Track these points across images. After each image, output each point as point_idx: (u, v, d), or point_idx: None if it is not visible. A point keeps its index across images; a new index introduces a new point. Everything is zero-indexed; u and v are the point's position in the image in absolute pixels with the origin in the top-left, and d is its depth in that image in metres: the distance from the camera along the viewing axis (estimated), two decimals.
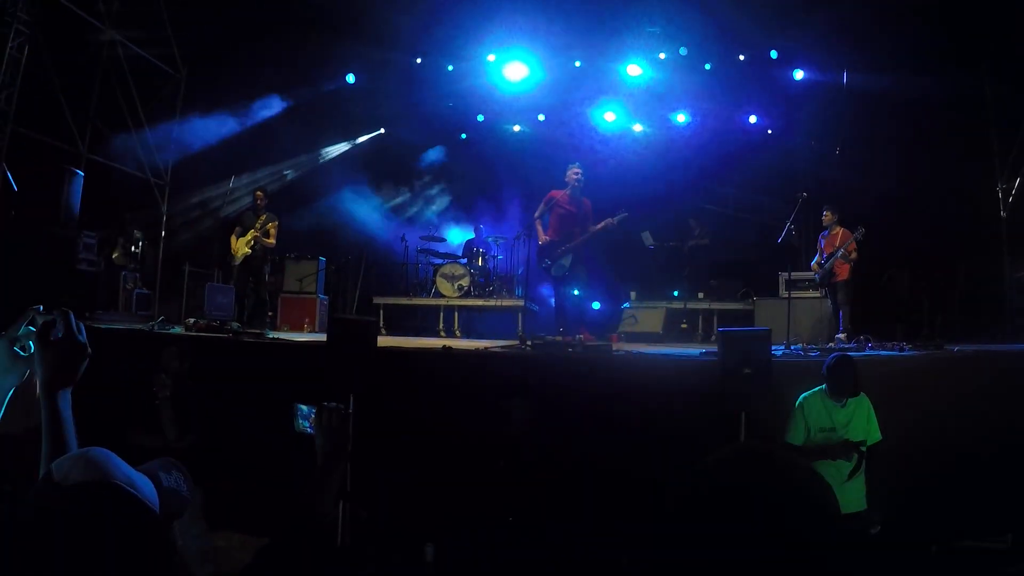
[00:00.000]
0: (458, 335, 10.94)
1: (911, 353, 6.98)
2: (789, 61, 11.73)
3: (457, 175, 14.47)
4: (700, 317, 11.16)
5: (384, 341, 7.40)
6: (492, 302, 11.26)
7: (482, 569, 4.85)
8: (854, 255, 8.63)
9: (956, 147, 10.61)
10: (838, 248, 8.68)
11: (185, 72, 12.83)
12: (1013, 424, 5.83)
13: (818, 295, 9.50)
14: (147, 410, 5.31)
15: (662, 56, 11.85)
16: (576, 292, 8.53)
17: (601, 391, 6.00)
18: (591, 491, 5.26)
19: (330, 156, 14.21)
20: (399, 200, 14.30)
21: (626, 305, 11.47)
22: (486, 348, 7.42)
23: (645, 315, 11.12)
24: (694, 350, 7.57)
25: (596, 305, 10.91)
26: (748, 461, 0.95)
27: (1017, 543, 5.71)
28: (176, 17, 11.95)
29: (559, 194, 8.49)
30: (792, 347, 7.31)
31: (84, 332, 1.68)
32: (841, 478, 4.50)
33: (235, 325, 8.59)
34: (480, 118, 13.62)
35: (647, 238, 11.77)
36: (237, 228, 9.92)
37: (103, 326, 8.37)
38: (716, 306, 11.15)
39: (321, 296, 11.48)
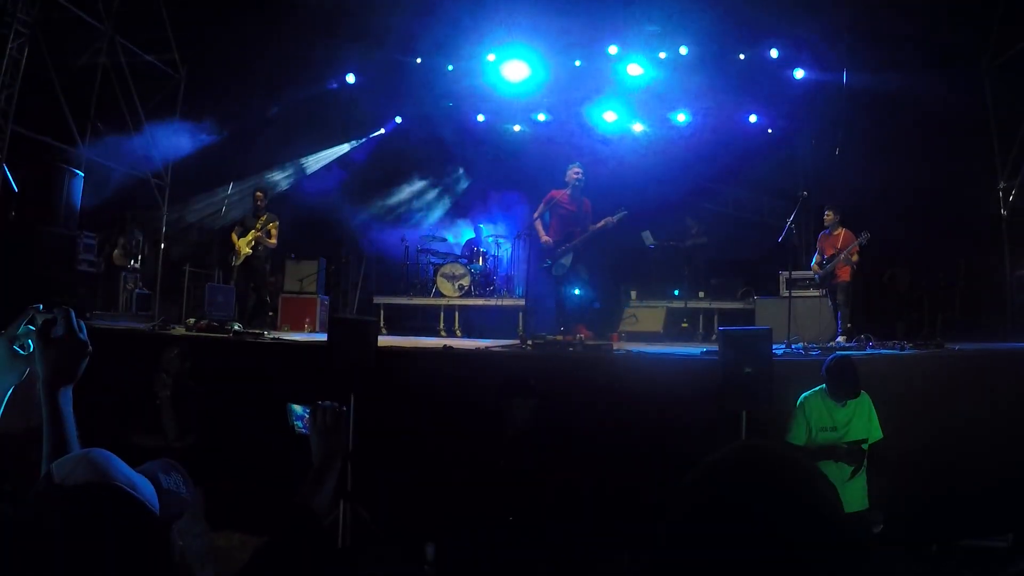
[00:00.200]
0: (459, 335, 10.94)
1: (912, 352, 6.97)
2: (789, 60, 11.72)
3: (457, 175, 14.47)
4: (701, 316, 11.16)
5: (385, 341, 7.40)
6: (493, 302, 11.27)
7: (482, 569, 4.84)
8: (855, 258, 8.61)
9: (956, 145, 10.60)
10: (840, 251, 8.65)
11: (185, 73, 12.84)
12: (1014, 422, 5.82)
13: (818, 294, 9.49)
14: (147, 410, 5.31)
15: (662, 55, 11.84)
16: (576, 291, 8.52)
17: (602, 390, 6.00)
18: (592, 491, 5.26)
19: (330, 156, 14.20)
20: (399, 200, 14.29)
21: (626, 304, 11.47)
22: (487, 348, 7.42)
23: (645, 314, 11.12)
24: (695, 349, 7.56)
25: (596, 304, 10.89)
26: (751, 459, 0.94)
27: (1018, 542, 5.70)
28: (176, 18, 11.94)
29: (559, 194, 8.49)
30: (793, 346, 7.30)
31: (85, 330, 1.68)
32: (843, 477, 4.49)
33: (235, 325, 8.58)
34: (480, 118, 13.60)
35: (647, 237, 11.77)
36: (238, 228, 9.92)
37: (102, 324, 8.38)
38: (716, 305, 11.15)
39: (321, 296, 11.48)
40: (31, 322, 1.65)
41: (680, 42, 11.61)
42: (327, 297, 11.79)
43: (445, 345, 7.57)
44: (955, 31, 10.14)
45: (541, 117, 13.31)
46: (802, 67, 11.71)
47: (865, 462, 4.63)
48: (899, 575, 5.32)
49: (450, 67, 12.67)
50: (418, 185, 14.45)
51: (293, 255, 11.60)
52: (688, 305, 11.04)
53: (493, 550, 4.74)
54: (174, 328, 8.52)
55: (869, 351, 7.02)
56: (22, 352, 1.65)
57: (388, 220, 13.76)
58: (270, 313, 10.84)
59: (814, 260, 9.13)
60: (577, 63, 12.11)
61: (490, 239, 12.51)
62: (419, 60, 12.64)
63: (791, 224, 8.36)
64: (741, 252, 11.90)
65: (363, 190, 14.17)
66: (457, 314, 11.35)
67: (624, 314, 11.28)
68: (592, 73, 12.10)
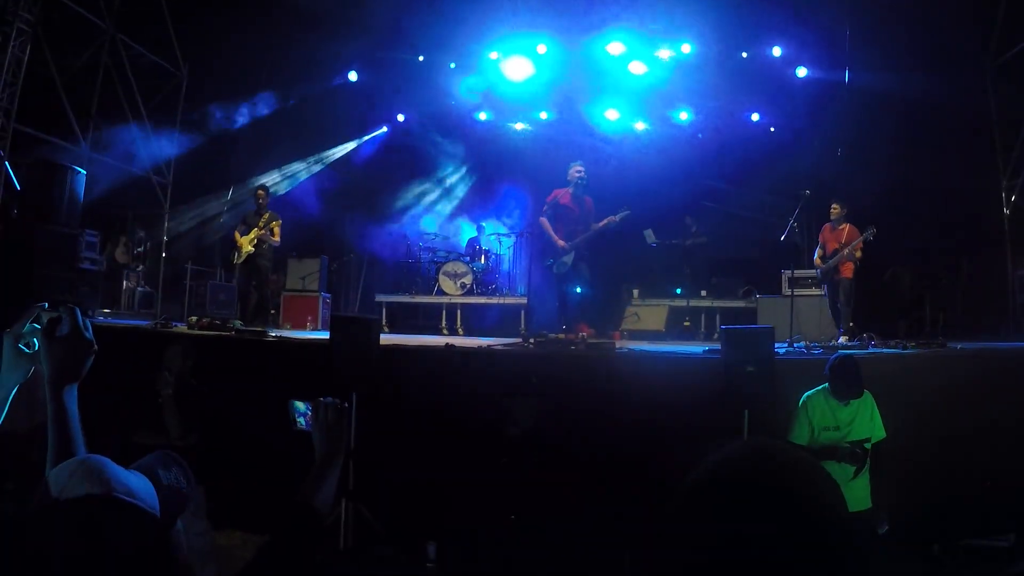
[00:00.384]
0: (461, 333, 10.94)
1: (914, 351, 6.96)
2: (792, 59, 11.70)
3: (459, 173, 14.46)
4: (703, 315, 11.16)
5: (387, 339, 7.40)
6: (495, 300, 11.27)
7: (483, 568, 4.85)
8: (859, 254, 8.52)
9: (958, 144, 10.59)
10: (844, 245, 8.54)
11: (186, 71, 12.84)
12: (1016, 422, 5.81)
13: (820, 293, 9.47)
14: (150, 408, 5.32)
15: (664, 54, 11.83)
16: (579, 289, 8.52)
17: (604, 389, 5.99)
18: (593, 489, 5.26)
19: (332, 155, 14.21)
20: (401, 198, 14.29)
21: (628, 303, 11.47)
22: (489, 346, 7.41)
23: (647, 313, 11.12)
24: (697, 348, 7.56)
25: (598, 303, 10.89)
26: (757, 458, 0.94)
27: (1020, 542, 5.70)
28: (177, 16, 11.95)
29: (562, 192, 8.49)
30: (795, 345, 7.29)
31: (90, 328, 1.68)
32: (846, 477, 4.48)
33: (237, 323, 8.59)
34: (482, 116, 13.59)
35: (649, 236, 11.76)
36: (241, 226, 9.93)
37: (104, 322, 8.38)
38: (718, 304, 11.15)
39: (323, 294, 11.49)
40: (36, 320, 1.65)
41: (682, 40, 11.60)
42: (329, 295, 11.81)
43: (447, 343, 7.56)
44: (957, 30, 10.12)
45: (543, 115, 13.30)
46: (805, 66, 11.70)
47: (868, 462, 4.62)
48: (901, 575, 5.32)
49: (452, 65, 12.67)
50: (420, 183, 14.45)
51: (295, 253, 11.61)
52: (690, 304, 11.04)
53: (495, 549, 4.74)
54: (176, 326, 8.53)
55: (871, 350, 7.01)
56: (27, 350, 1.66)
57: (390, 218, 13.76)
58: (272, 311, 10.85)
59: (816, 254, 8.99)
60: (579, 62, 12.09)
61: (492, 237, 12.51)
62: (421, 58, 12.65)
63: (793, 223, 8.36)
64: (743, 251, 11.90)
65: (365, 188, 14.17)
66: (459, 312, 11.35)
67: (626, 312, 11.28)
68: (594, 71, 12.09)
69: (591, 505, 5.25)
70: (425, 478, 5.70)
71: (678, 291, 11.41)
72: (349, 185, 14.00)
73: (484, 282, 11.72)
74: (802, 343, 7.44)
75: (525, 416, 4.96)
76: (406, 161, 14.25)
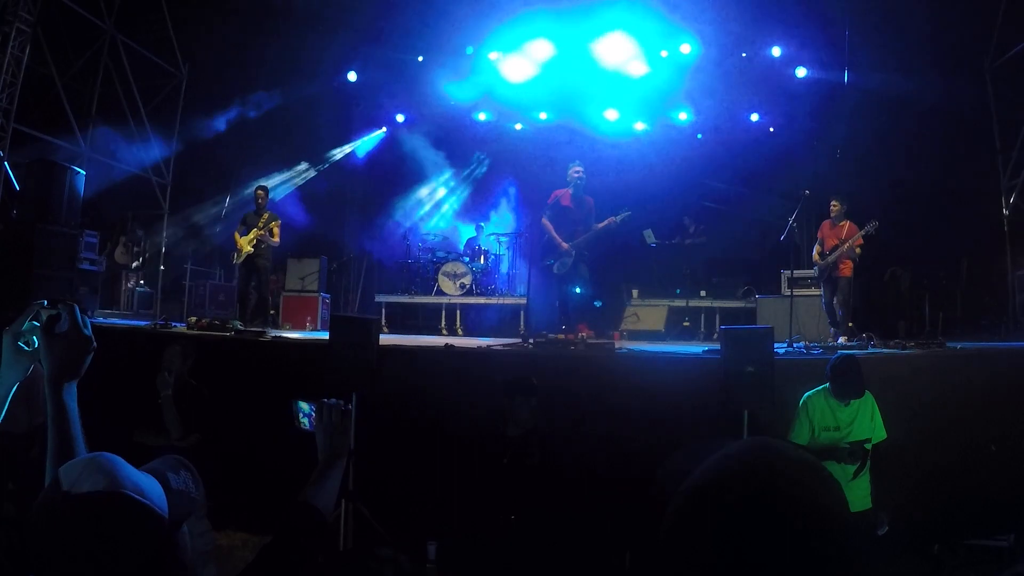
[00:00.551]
0: (460, 333, 10.94)
1: (913, 351, 6.97)
2: (791, 59, 11.71)
3: (459, 174, 14.47)
4: (702, 315, 11.15)
5: (386, 339, 7.40)
6: (494, 300, 11.28)
7: (484, 568, 4.84)
8: (859, 250, 8.48)
9: (958, 144, 10.60)
10: (844, 240, 8.50)
11: (186, 71, 12.84)
12: (1015, 422, 5.81)
13: (819, 293, 9.46)
14: (150, 409, 5.31)
15: (664, 54, 11.83)
16: (578, 290, 8.52)
17: (603, 389, 6.00)
18: (594, 489, 5.25)
19: (331, 155, 14.21)
20: (400, 198, 14.28)
21: (628, 303, 11.47)
22: (488, 346, 7.41)
23: (647, 313, 11.12)
24: (696, 348, 7.56)
25: (598, 303, 10.90)
26: (758, 457, 0.94)
27: (1020, 542, 5.70)
28: (177, 16, 11.95)
29: (562, 193, 8.49)
30: (794, 345, 7.29)
31: (90, 326, 1.68)
32: (846, 477, 4.48)
33: (237, 324, 8.59)
34: (481, 117, 13.59)
35: (649, 236, 11.77)
36: (240, 227, 9.94)
37: (104, 322, 8.38)
38: (718, 304, 11.15)
39: (323, 294, 11.49)
40: (36, 318, 1.64)
41: (681, 40, 11.60)
42: (328, 295, 11.80)
43: (447, 344, 7.56)
44: (957, 31, 10.13)
45: (543, 116, 13.30)
46: (804, 66, 11.70)
47: (868, 462, 4.62)
48: (901, 575, 5.32)
49: (452, 65, 12.66)
50: (419, 184, 14.45)
51: (292, 253, 11.61)
52: (689, 304, 11.04)
53: (494, 549, 4.74)
54: (176, 327, 8.53)
55: (871, 350, 7.01)
56: (27, 348, 1.65)
57: (389, 218, 13.75)
58: (271, 312, 10.86)
59: (814, 250, 8.92)
60: (578, 62, 12.09)
61: (491, 237, 12.51)
62: (421, 59, 12.64)
63: (793, 223, 8.36)
64: (743, 251, 11.89)
65: (364, 188, 14.17)
66: (459, 312, 11.35)
67: (626, 313, 11.28)
68: (594, 72, 12.09)
69: (591, 505, 5.25)
70: (425, 478, 5.70)
71: (677, 291, 11.41)
72: (348, 185, 14.00)
73: (483, 282, 11.72)
74: (801, 343, 7.44)
75: (525, 416, 4.95)
76: (405, 162, 14.23)
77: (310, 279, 11.38)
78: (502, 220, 13.18)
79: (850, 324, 8.45)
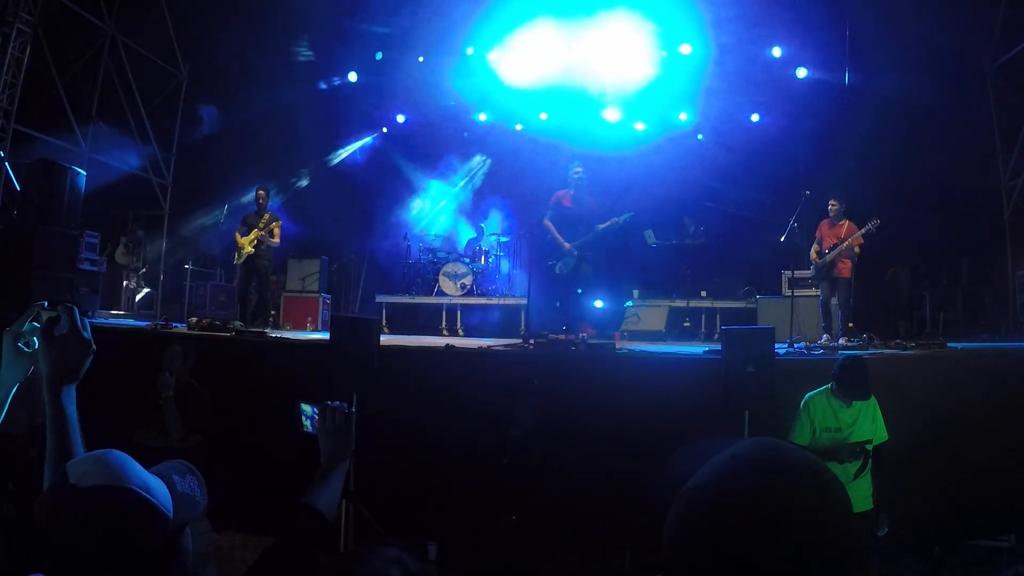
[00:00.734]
0: (461, 334, 10.93)
1: (914, 352, 6.96)
2: (792, 59, 11.71)
3: (459, 174, 14.45)
4: (703, 315, 11.14)
5: (387, 340, 7.40)
6: (495, 300, 11.27)
7: (484, 568, 4.84)
8: (858, 249, 8.43)
9: (959, 145, 10.59)
10: (843, 239, 8.45)
11: (187, 71, 12.85)
12: (1016, 422, 5.81)
13: (817, 293, 9.44)
14: (151, 409, 5.31)
15: (664, 54, 11.83)
16: (579, 290, 8.52)
17: (604, 390, 6.00)
18: (594, 490, 5.26)
19: (331, 155, 14.20)
20: (401, 199, 14.27)
21: (629, 303, 11.46)
22: (489, 347, 7.41)
23: (648, 313, 11.11)
24: (697, 348, 7.56)
25: (599, 303, 10.91)
26: (760, 457, 0.94)
27: (1020, 542, 5.70)
28: (178, 16, 11.96)
29: (563, 194, 8.50)
30: (795, 345, 7.29)
31: (89, 328, 1.67)
32: (847, 478, 4.47)
33: (237, 324, 8.59)
34: (481, 117, 13.59)
35: (650, 237, 11.76)
36: (241, 227, 9.94)
37: (105, 323, 8.38)
38: (719, 304, 11.14)
39: (323, 295, 11.49)
40: (35, 319, 1.64)
41: (681, 41, 11.60)
42: (329, 296, 11.80)
43: (447, 344, 7.56)
44: (957, 31, 10.13)
45: (543, 116, 13.30)
46: (805, 66, 11.70)
47: (870, 463, 4.61)
48: (902, 575, 5.32)
49: (452, 66, 12.66)
50: (420, 184, 14.44)
51: (295, 254, 11.62)
52: (690, 304, 11.04)
53: (494, 549, 4.74)
54: (176, 327, 8.53)
55: (871, 351, 7.01)
56: (27, 350, 1.65)
57: (390, 219, 13.75)
58: (272, 312, 10.86)
59: (812, 249, 8.81)
60: (579, 62, 12.08)
61: (492, 238, 12.50)
62: (421, 59, 12.64)
63: (793, 223, 8.35)
64: (743, 251, 11.89)
65: (365, 189, 14.16)
66: (459, 313, 11.35)
67: (626, 313, 11.28)
68: (594, 72, 12.08)
69: (591, 505, 5.25)
70: (425, 478, 5.70)
71: (673, 296, 11.40)
72: (349, 186, 13.99)
73: (484, 283, 11.72)
74: (802, 344, 7.44)
75: (526, 416, 4.95)
76: (405, 162, 14.24)
77: (311, 279, 11.38)
78: (502, 221, 13.17)
79: (850, 324, 8.43)
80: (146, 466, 1.46)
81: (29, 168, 9.44)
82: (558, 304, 8.77)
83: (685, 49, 11.68)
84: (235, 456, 5.81)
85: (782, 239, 8.48)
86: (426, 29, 11.95)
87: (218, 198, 13.32)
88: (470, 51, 12.32)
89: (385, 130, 14.25)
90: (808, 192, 8.42)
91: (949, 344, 7.37)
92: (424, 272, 12.06)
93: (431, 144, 13.89)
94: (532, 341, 7.31)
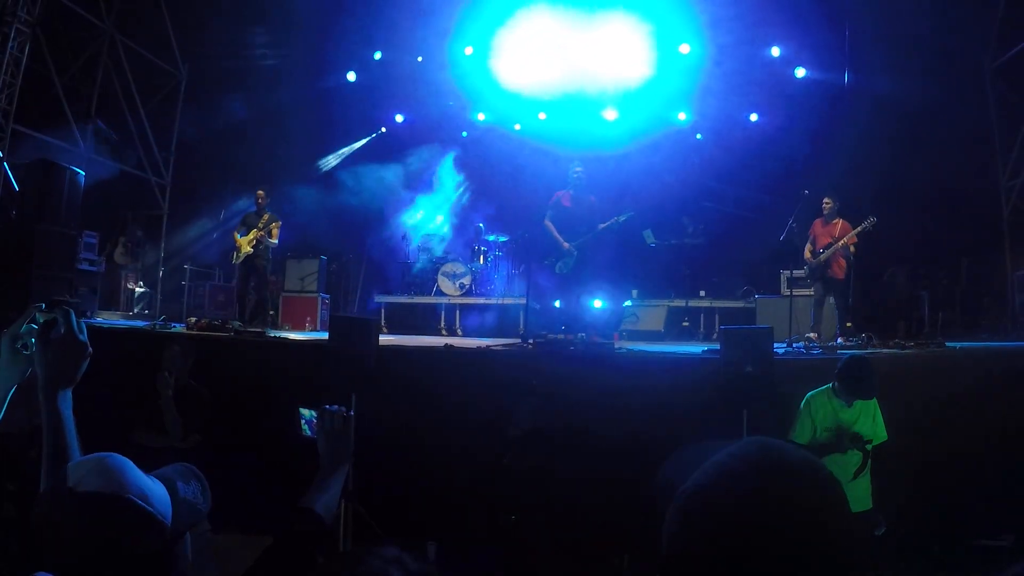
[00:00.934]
0: (459, 333, 10.93)
1: (912, 351, 6.97)
2: (791, 59, 11.71)
3: (458, 174, 14.45)
4: (702, 315, 11.15)
5: (386, 340, 7.40)
6: (494, 300, 11.26)
7: (484, 568, 4.85)
8: (853, 248, 8.35)
9: (958, 145, 10.59)
10: (837, 238, 8.37)
11: (186, 71, 12.83)
12: (1016, 422, 5.81)
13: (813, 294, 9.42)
14: (150, 409, 5.31)
15: (663, 54, 11.83)
16: (579, 290, 8.52)
17: (603, 389, 5.99)
18: (593, 490, 5.25)
19: (330, 155, 14.19)
20: (400, 199, 14.26)
21: (628, 303, 11.47)
22: (488, 346, 7.41)
23: (647, 313, 11.11)
24: (696, 348, 7.56)
25: (599, 303, 10.91)
26: (758, 457, 0.94)
27: (1019, 542, 5.69)
28: (177, 16, 11.95)
29: (563, 193, 8.50)
30: (794, 345, 7.29)
31: (86, 331, 1.66)
32: (846, 477, 4.47)
33: (236, 324, 8.58)
34: (480, 117, 13.58)
35: (648, 236, 11.76)
36: (240, 227, 9.94)
37: (103, 323, 8.37)
38: (717, 304, 11.15)
39: (322, 295, 11.48)
40: (33, 321, 1.63)
41: (680, 40, 11.60)
42: (328, 296, 11.79)
43: (446, 344, 7.56)
44: (957, 30, 10.14)
45: (542, 116, 13.29)
46: (804, 66, 11.70)
47: (869, 463, 4.61)
48: (901, 575, 5.32)
49: (450, 66, 12.66)
50: (418, 184, 14.42)
51: (293, 254, 11.61)
52: (689, 304, 11.04)
53: (495, 549, 4.74)
54: (175, 327, 8.52)
55: (870, 351, 7.01)
56: (25, 351, 1.64)
57: (389, 219, 13.73)
58: (271, 312, 10.85)
59: (805, 248, 8.70)
60: (578, 62, 12.08)
61: (491, 237, 12.50)
62: (420, 59, 12.63)
63: (792, 223, 8.35)
64: (742, 251, 11.89)
65: (364, 189, 14.14)
66: (458, 313, 11.35)
67: (625, 313, 11.28)
68: (592, 72, 12.08)
69: (591, 506, 5.25)
70: (425, 478, 5.70)
71: (671, 294, 11.40)
72: (348, 186, 13.97)
73: (483, 283, 11.71)
74: (801, 343, 7.44)
75: (525, 416, 4.96)
76: (404, 162, 14.22)
77: (309, 279, 11.37)
78: (501, 220, 13.16)
79: (848, 324, 8.42)
80: (146, 467, 1.45)
81: (28, 168, 9.44)
82: (557, 304, 8.77)
83: (684, 49, 11.68)
84: (234, 455, 5.80)
85: (781, 239, 8.48)
86: (425, 29, 11.93)
87: (217, 197, 13.33)
88: (469, 51, 12.31)
89: (384, 129, 14.24)
90: (807, 192, 8.42)
91: (948, 344, 7.37)
92: (423, 272, 12.05)
93: (430, 144, 13.88)
94: (531, 341, 7.31)
